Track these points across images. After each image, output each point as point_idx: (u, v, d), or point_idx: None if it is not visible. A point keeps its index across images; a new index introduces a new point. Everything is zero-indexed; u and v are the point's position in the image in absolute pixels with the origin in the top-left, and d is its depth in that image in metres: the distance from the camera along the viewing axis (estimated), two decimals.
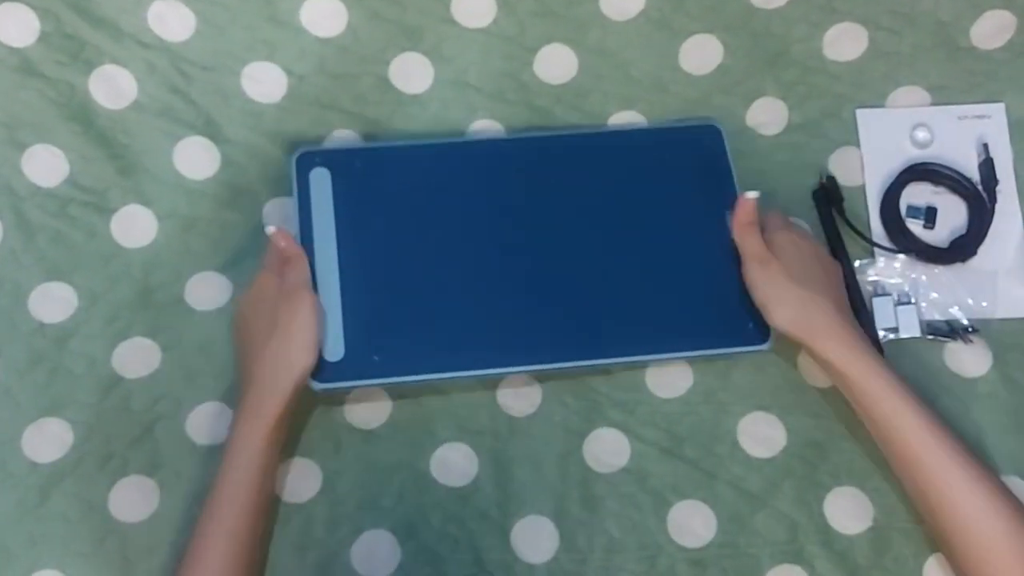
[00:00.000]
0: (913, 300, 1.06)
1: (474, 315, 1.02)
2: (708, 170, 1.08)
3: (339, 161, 1.06)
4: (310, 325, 0.95)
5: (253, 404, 0.94)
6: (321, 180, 1.05)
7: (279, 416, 0.94)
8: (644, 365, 1.05)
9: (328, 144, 1.11)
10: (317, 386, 0.97)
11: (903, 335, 1.05)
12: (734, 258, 1.02)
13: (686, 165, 1.08)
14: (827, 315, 0.96)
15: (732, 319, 1.02)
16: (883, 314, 1.06)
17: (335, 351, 0.99)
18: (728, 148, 1.08)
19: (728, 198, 1.04)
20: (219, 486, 0.93)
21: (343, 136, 1.12)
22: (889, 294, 1.06)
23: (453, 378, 1.02)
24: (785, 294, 0.97)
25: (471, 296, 1.02)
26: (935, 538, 0.96)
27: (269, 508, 0.97)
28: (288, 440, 0.99)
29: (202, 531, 0.92)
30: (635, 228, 1.05)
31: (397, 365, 1.00)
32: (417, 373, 1.00)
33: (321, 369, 0.98)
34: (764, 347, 1.01)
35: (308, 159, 1.06)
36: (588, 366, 1.03)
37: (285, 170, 1.07)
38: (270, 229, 1.01)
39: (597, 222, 1.05)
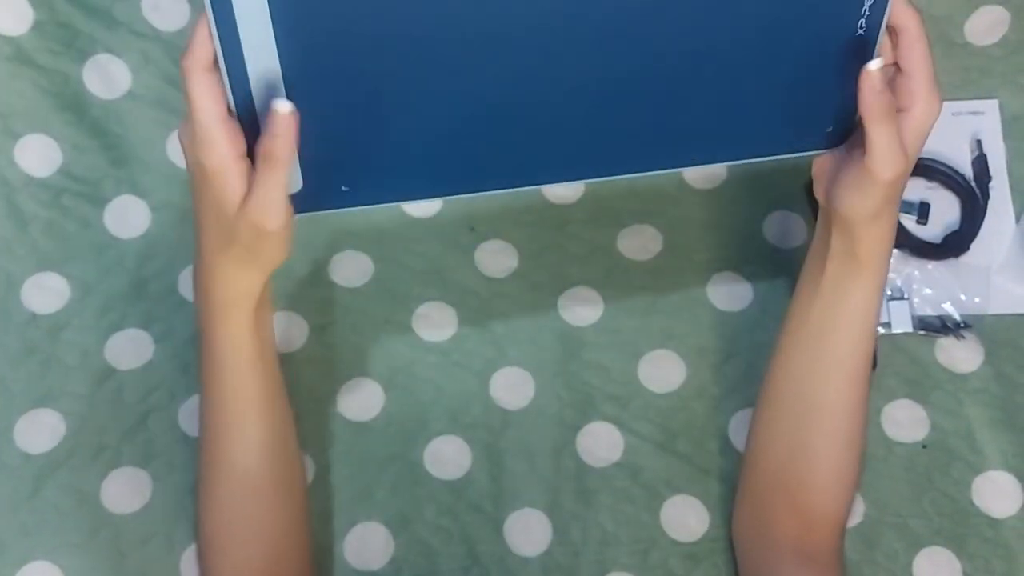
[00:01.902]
0: (906, 295, 1.06)
1: (466, 116, 0.78)
2: None
3: None
4: (284, 241, 0.77)
5: (223, 302, 0.81)
6: None
7: (255, 307, 0.82)
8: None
9: None
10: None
11: (895, 330, 1.05)
12: (849, 47, 0.81)
13: None
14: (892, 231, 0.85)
15: (814, 118, 0.84)
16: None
17: (291, 182, 0.77)
18: None
19: None
20: (215, 386, 0.85)
21: None
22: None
23: (439, 197, 0.87)
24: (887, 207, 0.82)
25: (467, 92, 0.77)
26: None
27: (280, 390, 0.90)
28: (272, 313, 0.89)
29: (213, 425, 0.87)
30: None
31: (370, 192, 0.80)
32: (395, 199, 0.83)
33: None
34: (826, 151, 0.86)
35: None
36: (607, 180, 0.83)
37: None
38: (284, 106, 0.70)
39: None
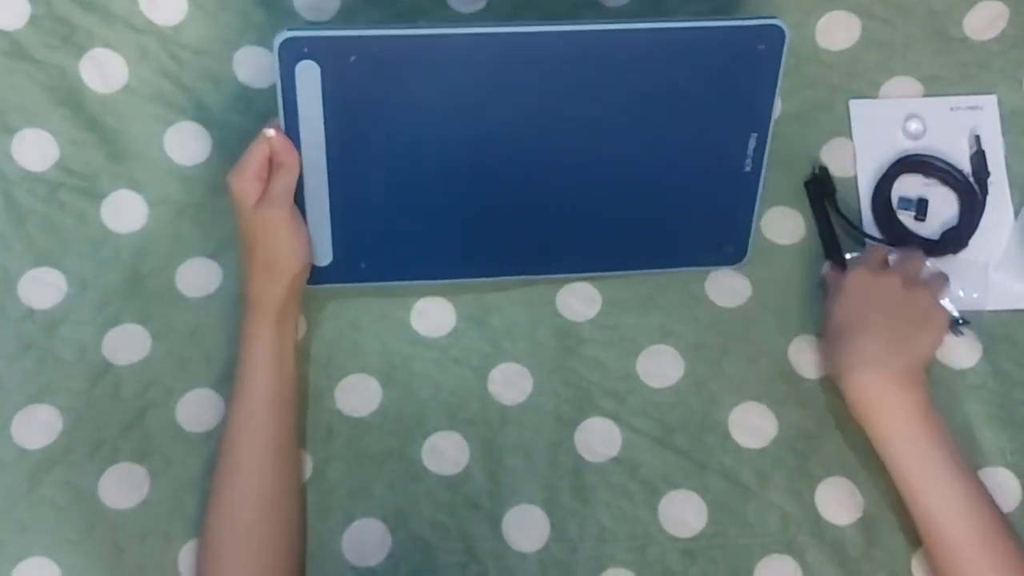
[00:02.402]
0: None
1: (463, 221, 1.03)
2: (750, 81, 0.99)
3: (329, 52, 0.95)
4: (290, 239, 0.95)
5: (254, 302, 0.97)
6: (309, 74, 0.95)
7: (277, 312, 0.97)
8: (624, 277, 1.08)
9: (316, 29, 0.96)
10: (307, 286, 1.01)
11: None
12: (738, 182, 1.03)
13: (727, 71, 0.98)
14: (901, 393, 0.95)
15: (714, 239, 1.06)
16: None
17: (323, 256, 1.01)
18: (784, 60, 0.98)
19: (761, 116, 1.01)
20: (237, 380, 0.97)
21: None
22: None
23: (438, 284, 1.06)
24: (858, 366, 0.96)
25: (461, 202, 1.02)
26: None
27: (291, 400, 0.99)
28: (297, 330, 1.03)
29: (227, 433, 0.96)
30: (648, 135, 1.00)
31: (384, 271, 1.04)
32: (403, 279, 1.05)
33: (311, 273, 1.01)
34: (732, 268, 1.08)
35: (294, 48, 0.94)
36: (568, 277, 1.08)
37: None
38: (270, 132, 0.95)
39: (601, 130, 1.00)
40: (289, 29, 0.93)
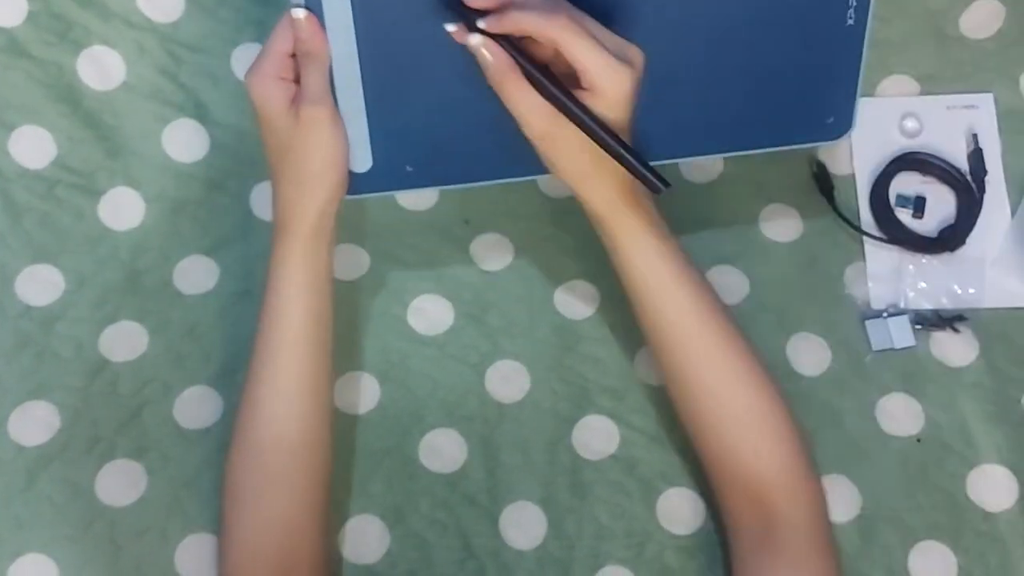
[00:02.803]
0: (903, 304, 1.06)
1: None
2: None
3: None
4: (331, 146, 0.85)
5: (281, 224, 0.88)
6: None
7: (308, 234, 0.87)
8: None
9: None
10: (347, 197, 0.90)
11: (897, 345, 1.05)
12: (840, 38, 0.90)
13: None
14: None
15: (814, 110, 0.93)
16: (878, 336, 1.05)
17: (362, 161, 0.89)
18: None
19: None
20: (263, 311, 0.90)
21: None
22: (880, 314, 1.06)
23: (493, 184, 0.92)
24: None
25: None
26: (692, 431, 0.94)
27: (325, 336, 0.93)
28: (332, 266, 0.93)
29: (251, 372, 0.91)
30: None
31: (430, 174, 0.91)
32: (455, 182, 0.93)
33: (350, 180, 0.90)
34: (834, 142, 0.96)
35: None
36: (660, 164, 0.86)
37: None
38: (299, 12, 0.82)
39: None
40: None
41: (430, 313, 1.07)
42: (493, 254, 1.09)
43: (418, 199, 1.10)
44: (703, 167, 1.11)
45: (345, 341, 1.05)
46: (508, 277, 1.08)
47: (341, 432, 1.02)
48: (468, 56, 0.80)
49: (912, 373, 1.05)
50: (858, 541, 0.99)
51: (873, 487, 1.01)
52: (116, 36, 1.10)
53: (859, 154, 1.11)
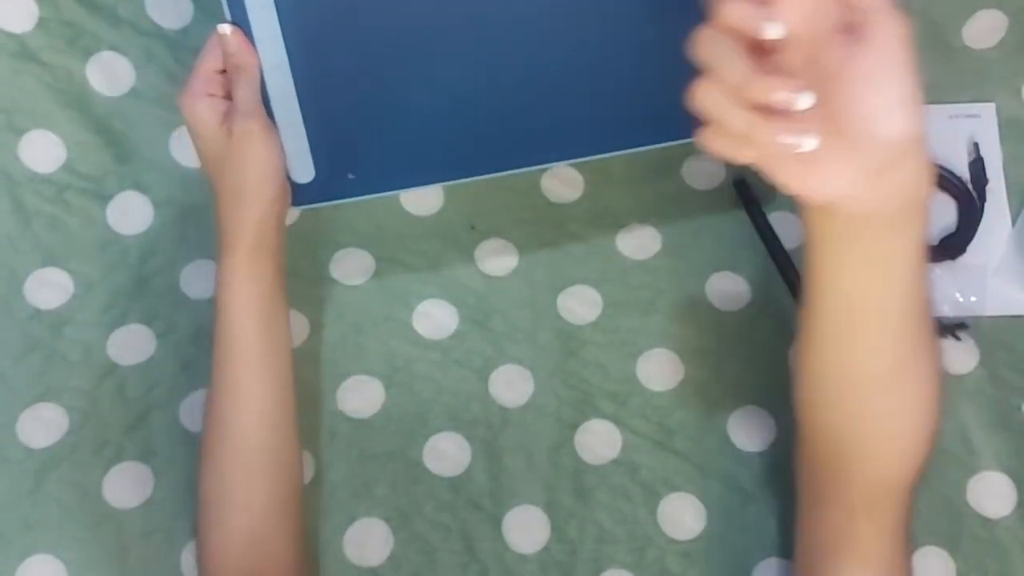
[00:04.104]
0: None
1: (452, 112, 0.90)
2: None
3: None
4: (265, 157, 0.86)
5: (222, 243, 0.89)
6: None
7: (249, 250, 0.88)
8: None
9: None
10: (293, 209, 0.92)
11: None
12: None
13: None
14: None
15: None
16: None
17: (304, 172, 0.90)
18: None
19: None
20: (215, 331, 0.90)
21: None
22: None
23: (435, 185, 0.96)
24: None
25: (446, 90, 0.90)
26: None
27: (279, 347, 0.92)
28: (283, 280, 0.93)
29: (210, 391, 0.91)
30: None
31: (373, 180, 0.92)
32: (398, 187, 0.95)
33: (293, 192, 0.91)
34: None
35: None
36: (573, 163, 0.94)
37: None
38: (225, 28, 0.85)
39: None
40: None
41: (435, 318, 1.07)
42: (497, 259, 1.09)
43: (422, 204, 1.10)
44: (708, 173, 1.11)
45: (350, 346, 1.06)
46: (512, 282, 1.08)
47: (346, 436, 1.03)
48: (400, 58, 0.85)
49: None
50: None
51: None
52: (125, 42, 1.11)
53: None
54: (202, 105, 0.86)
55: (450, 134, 0.90)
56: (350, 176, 0.91)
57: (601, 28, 0.88)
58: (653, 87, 0.87)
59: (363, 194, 0.93)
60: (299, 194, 0.92)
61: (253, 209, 0.87)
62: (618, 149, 0.93)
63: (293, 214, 0.95)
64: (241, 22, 0.85)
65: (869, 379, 0.77)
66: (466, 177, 0.93)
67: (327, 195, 0.92)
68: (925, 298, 0.74)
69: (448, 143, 0.91)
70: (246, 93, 0.85)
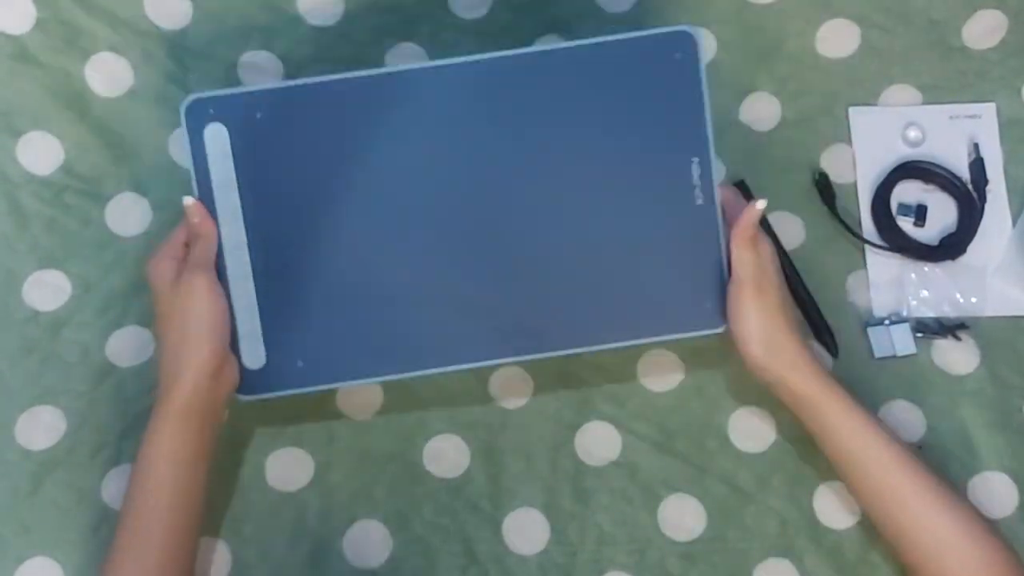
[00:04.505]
0: (905, 312, 1.07)
1: (406, 304, 0.92)
2: (675, 99, 0.91)
3: (237, 111, 0.91)
4: (207, 311, 0.88)
5: (159, 397, 0.89)
6: (218, 138, 0.90)
7: (181, 408, 0.88)
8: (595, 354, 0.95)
9: (224, 89, 0.94)
10: (241, 398, 0.93)
11: (899, 353, 1.06)
12: (693, 219, 0.92)
13: (647, 92, 0.91)
14: (794, 345, 0.92)
15: (689, 298, 0.93)
16: (880, 344, 1.06)
17: (255, 357, 0.92)
18: (703, 69, 0.91)
19: (698, 138, 0.91)
20: (133, 474, 0.90)
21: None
22: (882, 321, 1.06)
23: (386, 380, 0.96)
24: (769, 327, 0.91)
25: (399, 280, 0.92)
26: (908, 570, 0.95)
27: (193, 505, 0.91)
28: (212, 445, 0.92)
29: (123, 515, 0.90)
30: (582, 185, 0.92)
31: (323, 371, 0.93)
32: (345, 379, 0.94)
33: (243, 379, 0.92)
34: (721, 330, 0.94)
35: (200, 110, 0.91)
36: (530, 360, 0.96)
37: None
38: (188, 200, 0.91)
39: (537, 179, 0.92)
40: (196, 92, 0.92)
41: None
42: None
43: None
44: None
45: None
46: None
47: (345, 437, 1.03)
48: (354, 252, 0.91)
49: (914, 381, 1.05)
50: (859, 547, 1.00)
51: None
52: (124, 43, 1.11)
53: (861, 162, 1.11)
54: (163, 266, 0.91)
55: (400, 329, 0.92)
56: (299, 363, 0.93)
57: (560, 227, 0.93)
58: (625, 272, 0.93)
59: (312, 385, 0.94)
60: (248, 382, 0.93)
61: (191, 364, 0.87)
62: (569, 348, 0.95)
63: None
64: (206, 199, 0.91)
65: (889, 497, 0.91)
66: (408, 372, 0.94)
67: (276, 384, 0.93)
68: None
69: (398, 338, 0.92)
70: (198, 251, 0.91)
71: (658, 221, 0.92)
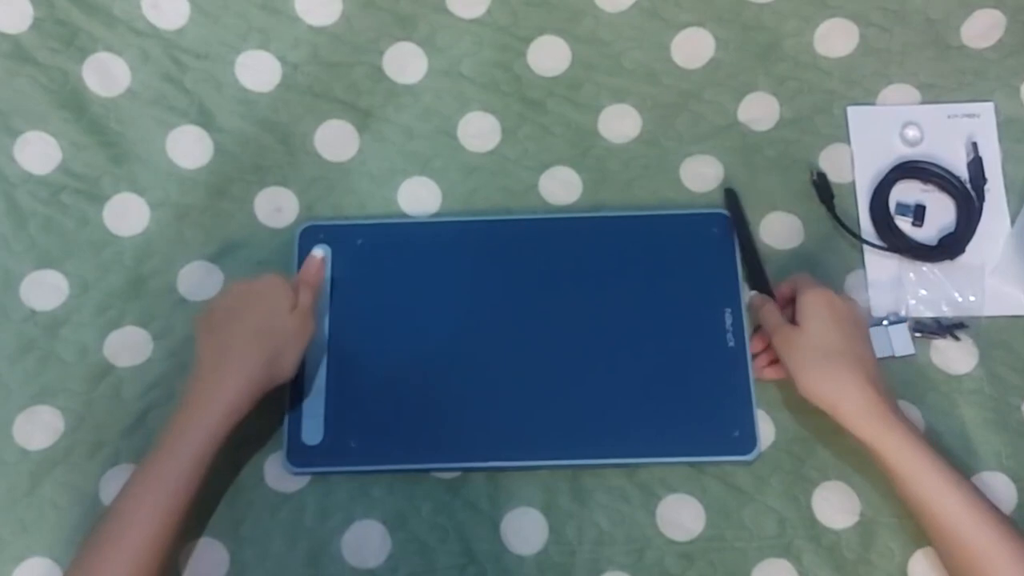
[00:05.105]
0: (903, 312, 1.07)
1: (456, 407, 1.03)
2: (711, 262, 1.07)
3: (341, 237, 1.07)
4: (301, 353, 0.97)
5: (222, 395, 0.92)
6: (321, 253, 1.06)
7: (236, 415, 0.92)
8: (632, 467, 1.03)
9: (333, 219, 1.09)
10: (293, 470, 1.01)
11: (898, 354, 1.05)
12: (726, 359, 1.03)
13: (689, 255, 1.07)
14: (857, 386, 0.93)
15: (720, 426, 1.02)
16: (879, 344, 1.04)
17: (314, 434, 1.01)
18: (736, 241, 1.07)
19: (730, 292, 1.05)
20: (113, 506, 0.90)
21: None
22: (880, 322, 1.06)
23: (429, 469, 1.03)
24: (811, 364, 0.95)
25: (455, 386, 1.03)
26: None
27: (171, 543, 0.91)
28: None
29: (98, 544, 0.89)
30: (630, 323, 1.05)
31: (373, 453, 1.01)
32: (391, 463, 1.02)
33: (298, 452, 1.01)
34: (748, 458, 1.01)
35: (312, 234, 1.07)
36: (570, 465, 1.02)
37: (278, 159, 1.10)
38: (318, 253, 1.05)
39: (591, 315, 1.05)
40: (310, 220, 1.08)
41: None
42: None
43: (425, 208, 1.11)
44: (701, 175, 1.11)
45: None
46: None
47: None
48: (418, 364, 1.03)
49: (912, 380, 1.05)
50: (858, 547, 0.99)
51: (873, 493, 1.01)
52: (121, 43, 1.11)
53: (859, 162, 1.11)
54: (291, 291, 0.98)
55: (449, 430, 1.02)
56: (352, 444, 1.02)
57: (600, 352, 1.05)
58: (660, 400, 1.03)
59: (360, 464, 1.02)
60: (304, 455, 1.01)
61: (263, 388, 0.94)
62: (608, 459, 1.03)
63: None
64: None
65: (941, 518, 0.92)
66: (452, 465, 1.03)
67: (328, 461, 1.01)
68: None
69: (451, 434, 1.02)
70: (307, 299, 0.99)
71: (696, 359, 1.04)
